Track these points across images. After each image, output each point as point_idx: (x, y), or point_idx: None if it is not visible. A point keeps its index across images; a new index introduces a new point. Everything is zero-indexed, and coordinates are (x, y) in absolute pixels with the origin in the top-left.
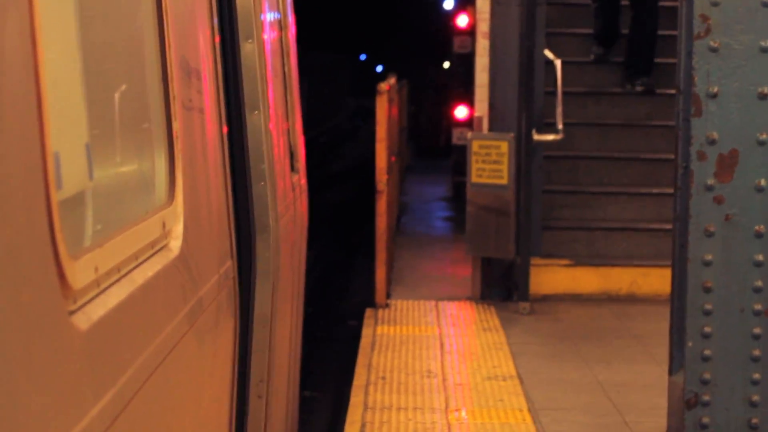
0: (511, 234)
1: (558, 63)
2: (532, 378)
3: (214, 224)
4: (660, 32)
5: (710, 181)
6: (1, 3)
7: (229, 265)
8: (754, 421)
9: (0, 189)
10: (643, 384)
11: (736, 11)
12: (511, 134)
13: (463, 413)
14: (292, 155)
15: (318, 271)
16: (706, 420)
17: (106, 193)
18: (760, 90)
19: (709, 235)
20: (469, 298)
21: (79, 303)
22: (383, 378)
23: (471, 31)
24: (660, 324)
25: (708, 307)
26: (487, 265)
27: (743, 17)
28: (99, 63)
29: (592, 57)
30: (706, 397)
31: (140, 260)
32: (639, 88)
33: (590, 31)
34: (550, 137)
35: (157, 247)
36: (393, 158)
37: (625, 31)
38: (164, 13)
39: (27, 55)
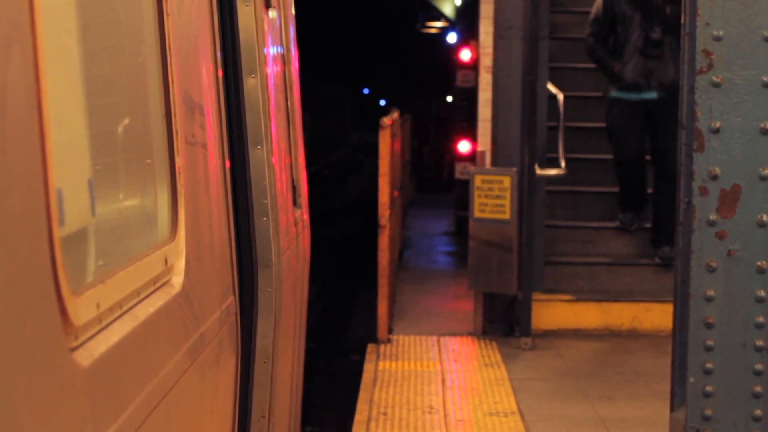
0: (513, 269)
1: (560, 97)
2: (533, 414)
3: (216, 260)
4: None
5: (712, 217)
6: (5, 38)
7: (231, 301)
8: None
9: (3, 225)
10: (645, 420)
11: (739, 46)
12: (514, 169)
13: None
14: (294, 190)
15: (320, 305)
16: None
17: (108, 228)
18: (762, 125)
19: (711, 270)
20: (471, 334)
21: (81, 339)
22: (385, 414)
23: (474, 65)
24: (662, 359)
25: (710, 342)
26: (489, 301)
27: (746, 52)
28: (102, 98)
29: (617, 223)
30: None
31: (142, 296)
32: (658, 260)
33: (593, 66)
34: (552, 172)
35: (159, 283)
36: (396, 192)
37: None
38: (168, 48)
39: (30, 91)
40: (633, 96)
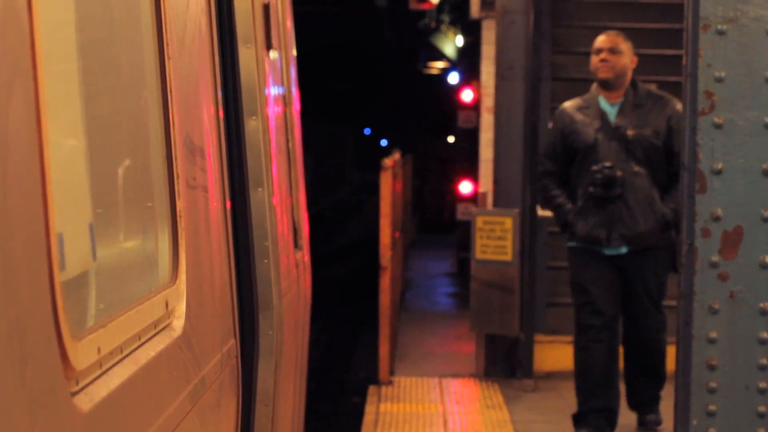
0: (515, 310)
1: None
2: None
3: (217, 303)
4: None
5: (715, 258)
6: (6, 81)
7: (232, 344)
8: None
9: (4, 269)
10: None
11: (741, 87)
12: (516, 210)
13: None
14: (295, 231)
15: (321, 346)
16: None
17: (109, 272)
18: (764, 166)
19: (714, 312)
20: (473, 375)
21: (82, 384)
22: None
23: (476, 106)
24: (665, 401)
25: (713, 384)
26: (491, 342)
27: (748, 93)
28: (103, 141)
29: None
30: None
31: (143, 340)
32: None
33: None
34: None
35: (160, 327)
36: (397, 233)
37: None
38: (169, 92)
39: (32, 134)
40: (595, 248)
